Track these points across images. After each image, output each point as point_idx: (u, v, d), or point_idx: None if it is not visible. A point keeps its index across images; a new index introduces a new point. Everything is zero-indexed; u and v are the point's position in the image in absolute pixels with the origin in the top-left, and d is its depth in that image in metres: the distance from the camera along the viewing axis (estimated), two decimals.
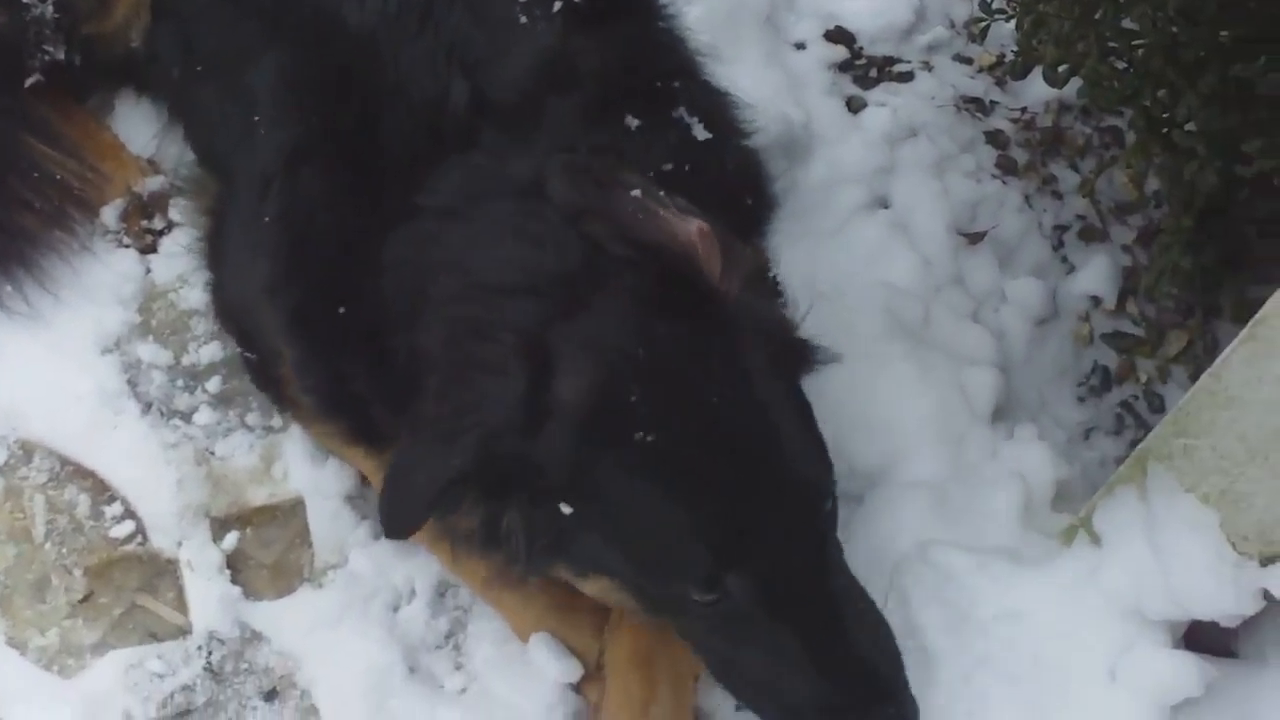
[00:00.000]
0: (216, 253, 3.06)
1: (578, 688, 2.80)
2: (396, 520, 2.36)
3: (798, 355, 2.49)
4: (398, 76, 2.63)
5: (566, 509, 2.31)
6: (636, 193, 2.31)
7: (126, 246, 3.28)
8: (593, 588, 2.49)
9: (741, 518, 2.29)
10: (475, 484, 2.30)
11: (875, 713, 2.40)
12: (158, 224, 3.30)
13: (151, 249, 3.28)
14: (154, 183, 3.33)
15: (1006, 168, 3.51)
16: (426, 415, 2.35)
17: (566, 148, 2.48)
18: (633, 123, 2.58)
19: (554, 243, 2.35)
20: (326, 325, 2.63)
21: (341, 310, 2.59)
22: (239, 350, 3.08)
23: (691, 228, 2.26)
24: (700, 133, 2.66)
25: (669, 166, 2.54)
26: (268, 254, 2.73)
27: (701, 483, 2.28)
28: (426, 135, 2.57)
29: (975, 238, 3.36)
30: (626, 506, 2.32)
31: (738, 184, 2.76)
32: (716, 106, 2.82)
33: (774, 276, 2.67)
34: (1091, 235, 3.44)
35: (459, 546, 2.53)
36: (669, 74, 2.74)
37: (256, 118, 2.79)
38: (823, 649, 2.36)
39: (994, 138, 3.58)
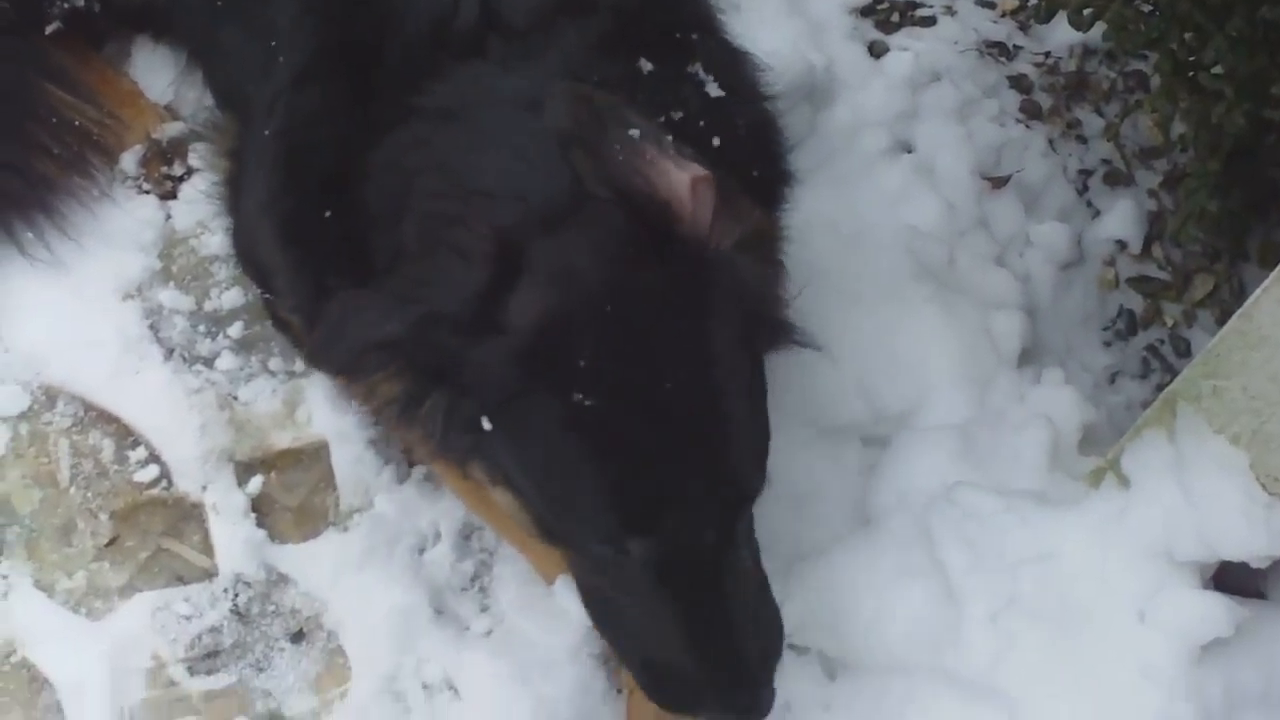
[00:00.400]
0: (234, 198, 3.04)
1: None
2: (320, 355, 2.44)
3: (774, 333, 2.44)
4: None
5: (486, 424, 2.26)
6: (634, 132, 2.21)
7: (146, 193, 3.27)
8: (500, 496, 2.46)
9: (659, 492, 2.25)
10: (403, 357, 2.26)
11: (729, 695, 2.40)
12: (177, 170, 3.28)
13: (171, 195, 3.27)
14: (173, 129, 3.31)
15: (1030, 112, 3.49)
16: (383, 279, 2.35)
17: (575, 74, 2.42)
18: (645, 66, 2.49)
19: (544, 161, 2.28)
20: (313, 237, 2.59)
21: (328, 218, 2.54)
22: (259, 292, 3.07)
23: (686, 176, 2.18)
24: (714, 90, 2.57)
25: (679, 116, 2.46)
26: (265, 170, 2.69)
27: (627, 451, 2.23)
28: (431, 47, 2.52)
29: (999, 182, 3.34)
30: (546, 449, 2.27)
31: (751, 148, 2.66)
32: (734, 65, 2.72)
33: (778, 246, 2.58)
34: (1117, 179, 3.42)
35: (380, 413, 2.52)
36: (687, 25, 2.66)
37: (274, 44, 2.75)
38: (699, 627, 2.35)
39: (1018, 82, 3.56)
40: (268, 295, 3.00)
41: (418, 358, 2.26)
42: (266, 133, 2.69)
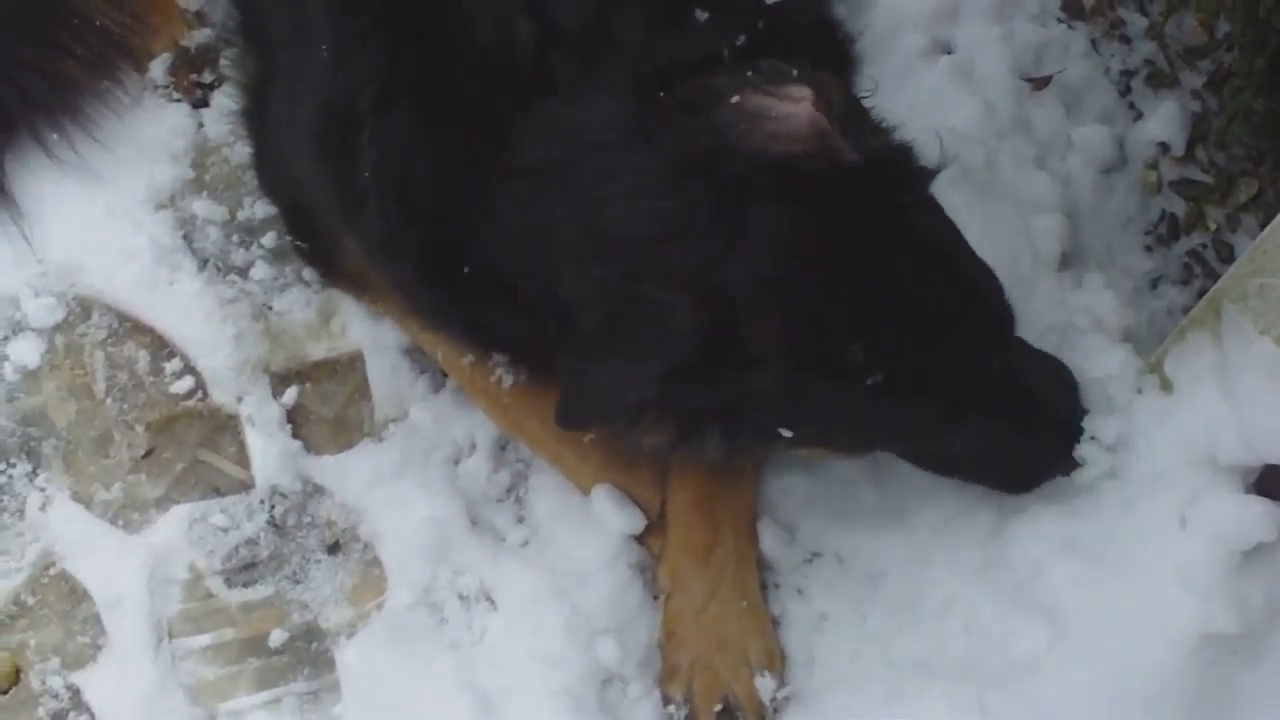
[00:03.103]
0: (259, 131, 3.00)
1: (640, 538, 2.80)
2: (573, 419, 2.39)
3: (925, 177, 2.45)
4: (464, 19, 2.48)
5: (787, 433, 2.37)
6: (736, 99, 2.22)
7: (177, 101, 3.23)
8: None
9: (958, 383, 2.37)
10: (658, 411, 2.31)
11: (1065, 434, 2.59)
12: (207, 77, 3.25)
13: (203, 103, 3.23)
14: (202, 35, 3.27)
15: (1072, 11, 3.41)
16: (595, 336, 2.31)
17: (643, 64, 2.37)
18: (700, 16, 2.44)
19: (678, 190, 2.26)
20: (454, 279, 2.54)
21: (467, 270, 2.52)
22: (284, 228, 3.06)
23: (804, 106, 2.18)
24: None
25: (742, 40, 2.41)
26: (375, 206, 2.57)
27: (920, 369, 2.31)
28: (502, 78, 2.44)
29: (1040, 83, 3.28)
30: (848, 415, 2.37)
31: (816, 38, 2.63)
32: None
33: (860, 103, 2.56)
34: (1160, 81, 3.35)
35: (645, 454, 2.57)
36: None
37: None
38: (1021, 430, 2.53)
39: None
40: (293, 232, 3.00)
41: (673, 409, 2.30)
42: (365, 172, 2.55)
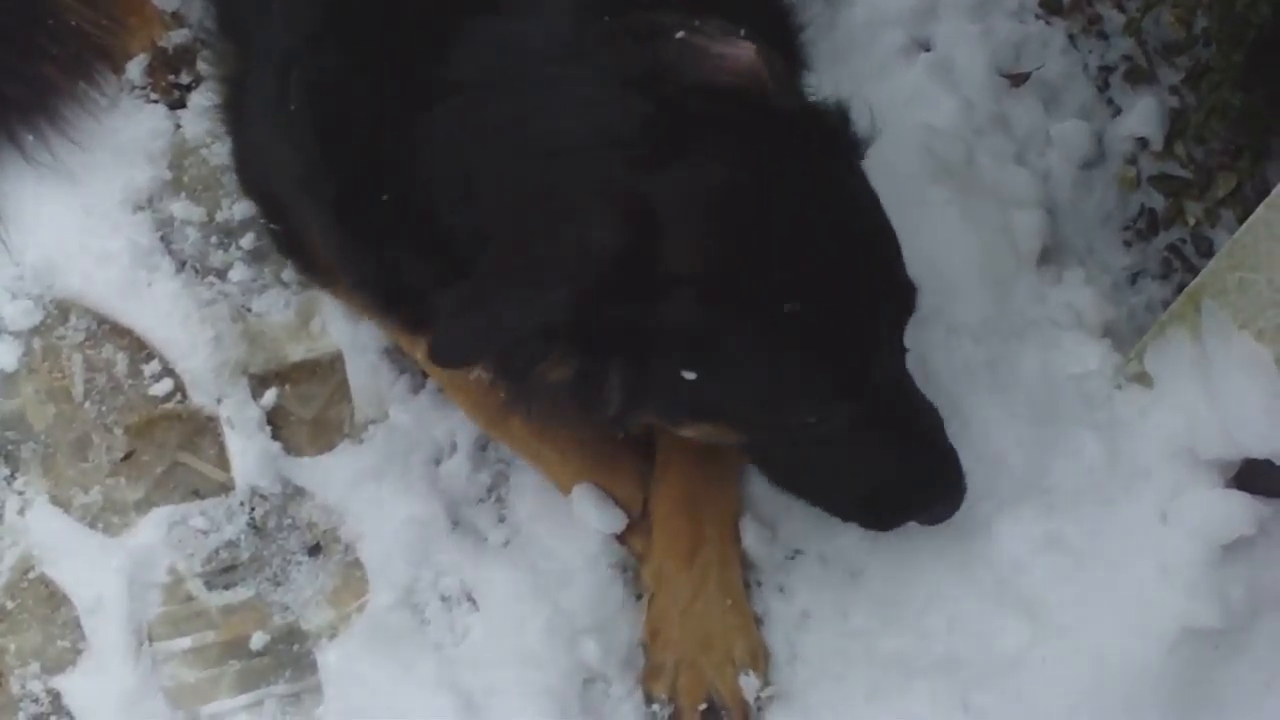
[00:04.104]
0: (236, 123, 2.97)
1: (622, 538, 2.79)
2: (458, 353, 2.26)
3: (858, 146, 2.41)
4: None
5: (690, 375, 2.22)
6: (681, 34, 2.18)
7: (154, 102, 3.22)
8: (688, 431, 2.47)
9: (865, 352, 2.31)
10: (567, 340, 2.17)
11: (946, 485, 2.55)
12: (185, 78, 3.23)
13: (180, 104, 3.22)
14: (179, 36, 3.26)
15: (1050, 7, 3.41)
16: (500, 263, 2.21)
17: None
18: None
19: (616, 100, 2.19)
20: (371, 214, 2.45)
21: (385, 198, 2.41)
22: (263, 221, 3.02)
23: (748, 50, 2.15)
24: None
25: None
26: (295, 143, 2.54)
27: (830, 321, 2.24)
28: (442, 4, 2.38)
29: (1018, 79, 3.28)
30: (754, 365, 2.25)
31: (764, 18, 2.54)
32: None
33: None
34: (1138, 76, 3.35)
35: (533, 403, 2.40)
36: None
37: None
38: (902, 442, 2.48)
39: None
40: (273, 225, 2.95)
41: (581, 336, 2.17)
42: (292, 105, 2.53)
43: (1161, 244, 3.19)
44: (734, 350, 2.22)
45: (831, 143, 2.33)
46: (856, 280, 2.27)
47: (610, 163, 2.16)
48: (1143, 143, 3.26)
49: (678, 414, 2.40)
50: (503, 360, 2.29)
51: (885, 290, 2.33)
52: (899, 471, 2.51)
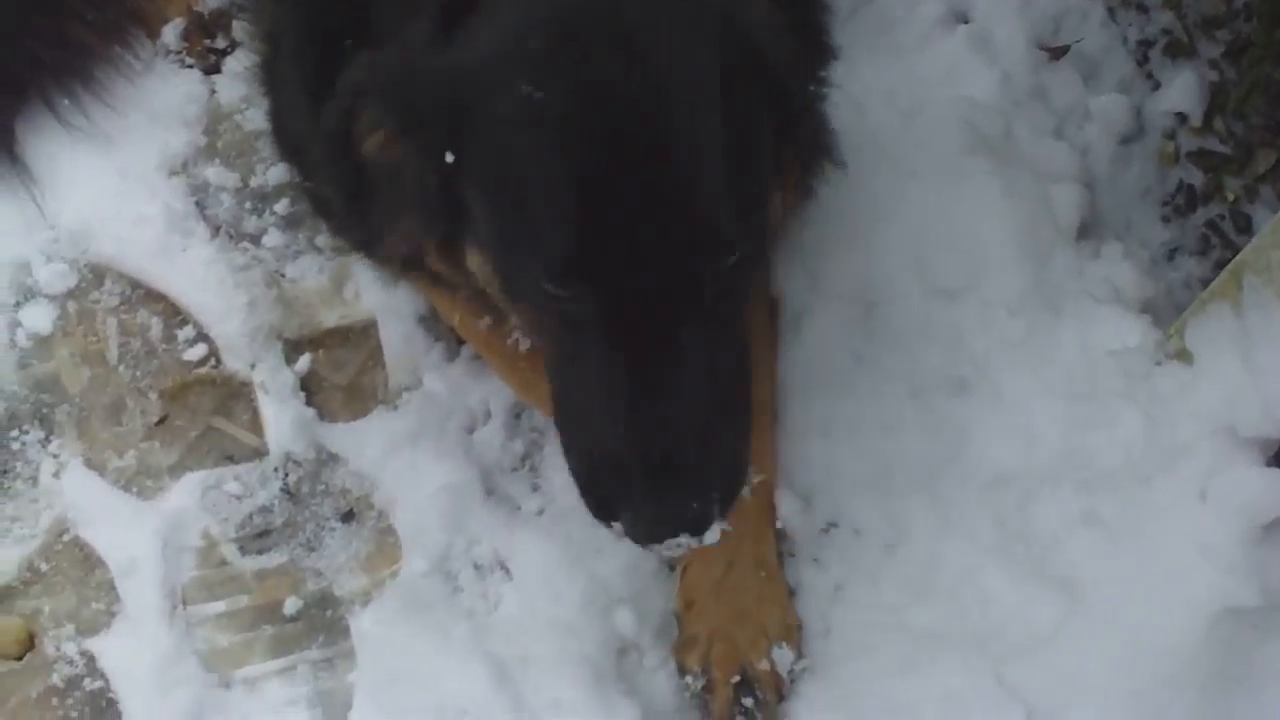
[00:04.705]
0: (272, 81, 2.96)
1: None
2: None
3: (791, 104, 2.25)
4: None
5: (449, 157, 2.15)
6: None
7: (190, 67, 3.22)
8: (473, 262, 2.31)
9: (614, 214, 2.05)
10: (380, 105, 2.18)
11: (645, 488, 2.17)
12: (220, 43, 3.24)
13: (215, 69, 3.22)
14: (215, 1, 3.26)
15: None
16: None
17: None
18: None
19: None
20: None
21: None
22: (297, 180, 3.00)
23: None
24: None
25: None
26: (305, 83, 2.57)
27: (579, 165, 2.06)
28: None
29: (1058, 52, 3.26)
30: (499, 164, 2.13)
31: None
32: None
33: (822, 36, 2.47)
34: (1178, 50, 3.32)
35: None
36: None
37: None
38: (638, 401, 2.15)
39: None
40: (307, 183, 2.93)
41: (393, 105, 2.17)
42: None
43: (1200, 220, 3.17)
44: (480, 133, 2.13)
45: (731, 43, 2.15)
46: (628, 150, 2.05)
47: None
48: (1182, 118, 3.24)
49: (453, 226, 2.28)
50: (339, 122, 2.27)
51: (668, 202, 2.08)
52: (622, 441, 2.17)
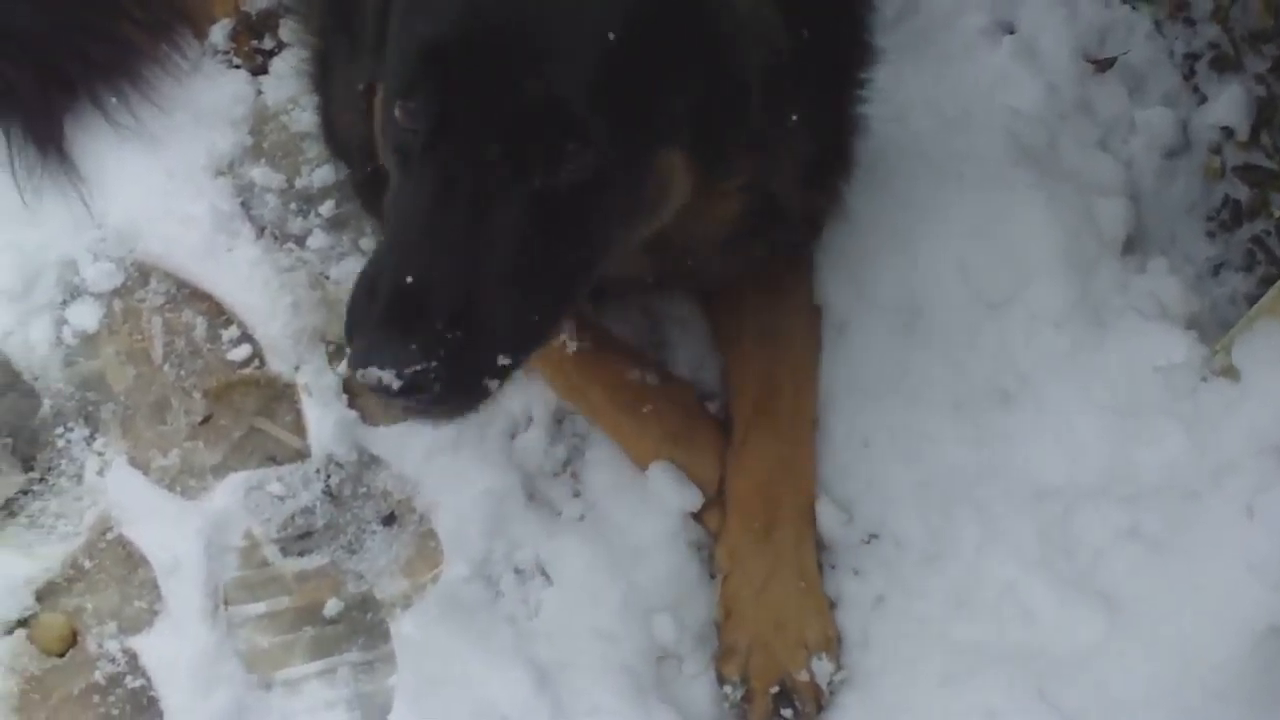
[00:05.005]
0: (321, 78, 2.99)
1: (698, 516, 2.79)
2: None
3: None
4: None
5: None
6: None
7: (237, 67, 3.24)
8: (377, 104, 2.34)
9: (466, 55, 2.10)
10: None
11: (361, 323, 2.16)
12: (268, 44, 3.26)
13: (262, 70, 3.24)
14: (263, 1, 3.27)
15: None
16: None
17: None
18: None
19: None
20: None
21: None
22: (344, 175, 3.02)
23: None
24: None
25: None
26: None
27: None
28: None
29: (1103, 65, 3.25)
30: None
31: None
32: None
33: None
34: (1224, 64, 3.31)
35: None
36: None
37: None
38: (421, 236, 2.15)
39: None
40: (356, 175, 2.95)
41: None
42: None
43: (1245, 235, 3.16)
44: None
45: None
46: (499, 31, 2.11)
47: None
48: (1228, 132, 3.23)
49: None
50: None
51: (514, 60, 2.10)
52: (386, 266, 2.16)
